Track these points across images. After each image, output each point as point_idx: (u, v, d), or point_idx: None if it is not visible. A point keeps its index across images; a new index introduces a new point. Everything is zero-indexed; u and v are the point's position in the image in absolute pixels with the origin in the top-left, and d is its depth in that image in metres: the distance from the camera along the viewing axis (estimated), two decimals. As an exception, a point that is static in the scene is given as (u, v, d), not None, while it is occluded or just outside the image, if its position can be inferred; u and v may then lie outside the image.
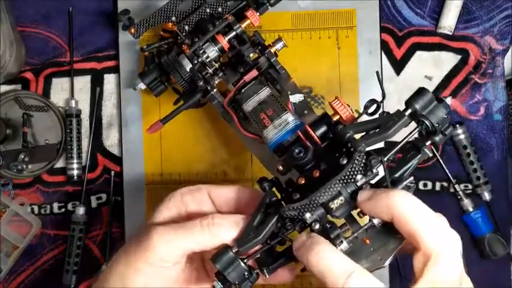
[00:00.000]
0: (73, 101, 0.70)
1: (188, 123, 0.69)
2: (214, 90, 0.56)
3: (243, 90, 0.54)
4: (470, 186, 0.69)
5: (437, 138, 0.39)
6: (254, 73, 0.54)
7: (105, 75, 0.71)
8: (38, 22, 0.71)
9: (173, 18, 0.59)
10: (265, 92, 0.52)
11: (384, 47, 0.69)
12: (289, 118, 0.49)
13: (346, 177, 0.38)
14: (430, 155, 0.39)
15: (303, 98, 0.53)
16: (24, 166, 0.69)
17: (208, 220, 0.40)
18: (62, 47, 0.71)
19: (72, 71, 0.70)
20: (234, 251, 0.39)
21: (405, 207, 0.34)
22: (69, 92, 0.71)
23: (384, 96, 0.45)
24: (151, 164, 0.69)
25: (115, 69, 0.70)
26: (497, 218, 0.68)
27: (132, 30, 0.59)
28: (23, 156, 0.68)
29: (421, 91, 0.40)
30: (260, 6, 0.59)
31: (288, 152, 0.44)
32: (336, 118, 0.46)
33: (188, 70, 0.56)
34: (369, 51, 0.68)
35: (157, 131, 0.56)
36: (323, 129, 0.46)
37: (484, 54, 0.69)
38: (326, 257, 0.35)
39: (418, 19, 0.69)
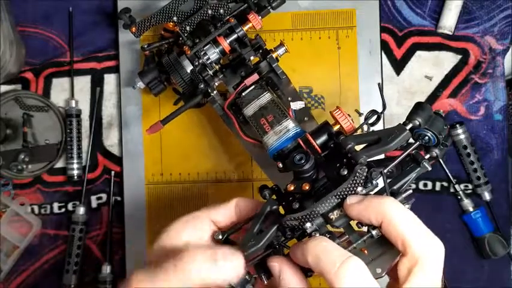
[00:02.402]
0: (73, 101, 0.70)
1: (188, 123, 0.69)
2: (215, 92, 0.56)
3: (243, 93, 0.54)
4: (470, 186, 0.69)
5: (437, 150, 0.40)
6: (255, 77, 0.54)
7: (105, 75, 0.71)
8: (38, 22, 0.71)
9: (174, 18, 0.59)
10: (266, 97, 0.52)
11: (384, 47, 0.69)
12: (290, 125, 0.49)
13: (347, 189, 0.38)
14: (429, 168, 0.39)
15: (303, 105, 0.53)
16: (25, 166, 0.69)
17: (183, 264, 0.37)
18: (62, 47, 0.71)
19: (72, 71, 0.70)
20: None
21: (395, 213, 0.35)
22: (69, 92, 0.71)
23: (384, 107, 0.45)
24: (151, 164, 0.69)
25: (115, 69, 0.70)
26: (497, 218, 0.68)
27: (133, 29, 0.59)
28: (23, 156, 0.68)
29: (420, 105, 0.41)
30: (262, 9, 0.59)
31: (289, 158, 0.44)
32: (336, 127, 0.46)
33: (189, 71, 0.56)
34: (369, 51, 0.68)
35: (157, 132, 0.56)
36: (323, 138, 0.45)
37: (484, 54, 0.69)
38: (322, 243, 0.36)
39: (418, 19, 0.69)
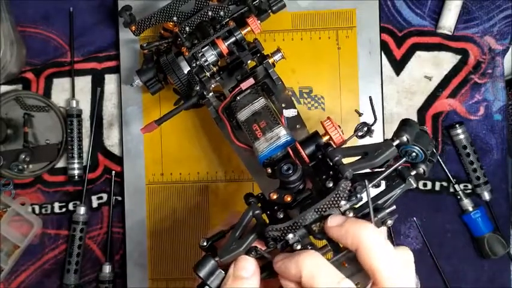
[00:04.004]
0: (74, 101, 0.70)
1: (189, 123, 0.69)
2: (210, 94, 0.55)
3: (238, 97, 0.54)
4: (470, 186, 0.69)
5: (424, 166, 0.40)
6: (251, 81, 0.54)
7: (106, 76, 0.71)
8: (39, 22, 0.71)
9: (174, 18, 0.59)
10: (260, 103, 0.51)
11: (384, 47, 0.69)
12: (281, 133, 0.49)
13: (331, 202, 0.38)
14: (415, 185, 0.39)
15: (296, 114, 0.53)
16: (25, 166, 0.69)
17: None
18: (62, 47, 0.71)
19: (73, 71, 0.70)
20: (215, 259, 0.40)
21: (369, 243, 0.35)
22: (70, 92, 0.71)
23: (375, 120, 0.45)
24: (151, 164, 0.69)
25: (116, 70, 0.71)
26: (497, 218, 0.68)
27: (133, 28, 0.59)
28: (23, 156, 0.68)
29: (407, 122, 0.41)
30: (262, 12, 0.59)
31: (277, 167, 0.44)
32: (326, 138, 0.46)
33: (186, 72, 0.56)
34: (368, 51, 0.68)
35: (151, 132, 0.55)
36: (312, 147, 0.45)
37: (483, 54, 0.69)
38: (317, 260, 0.36)
39: (418, 19, 0.69)
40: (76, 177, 0.69)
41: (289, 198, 0.41)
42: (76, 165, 0.69)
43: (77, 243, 0.68)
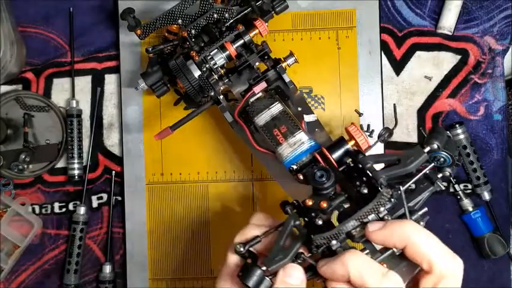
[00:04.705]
0: (74, 101, 0.70)
1: (189, 123, 0.69)
2: (221, 97, 0.56)
3: (251, 100, 0.54)
4: (470, 186, 0.69)
5: (450, 170, 0.43)
6: (263, 85, 0.55)
7: (106, 76, 0.71)
8: (39, 22, 0.71)
9: (179, 21, 0.59)
10: (277, 108, 0.52)
11: (384, 47, 0.69)
12: (304, 137, 0.50)
13: (372, 209, 0.40)
14: (443, 188, 0.42)
15: (316, 118, 0.54)
16: (25, 166, 0.69)
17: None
18: (62, 47, 0.71)
19: (73, 71, 0.70)
20: (263, 269, 0.41)
21: (418, 236, 0.38)
22: (70, 92, 0.71)
23: (396, 124, 0.48)
24: (151, 164, 0.69)
25: (116, 70, 0.71)
26: (497, 218, 0.68)
27: (139, 32, 0.59)
28: (24, 156, 0.68)
29: (437, 130, 0.44)
30: (265, 13, 0.59)
31: (309, 173, 0.44)
32: (351, 143, 0.47)
33: (197, 77, 0.56)
34: (368, 51, 0.68)
35: (165, 137, 0.55)
36: (339, 152, 0.46)
37: (483, 54, 0.69)
38: (362, 257, 0.38)
39: (418, 19, 0.69)
40: (76, 177, 0.69)
41: (325, 205, 0.42)
42: (76, 165, 0.69)
43: (77, 243, 0.68)
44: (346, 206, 0.44)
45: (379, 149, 0.67)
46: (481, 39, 0.69)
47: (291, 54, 0.57)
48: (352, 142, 0.47)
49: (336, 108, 0.68)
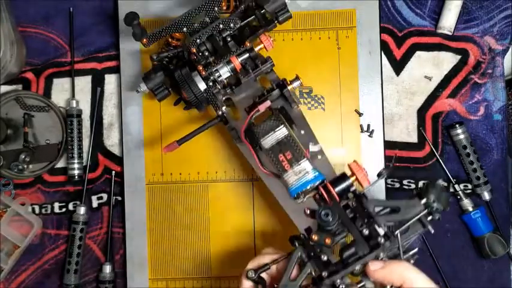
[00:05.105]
0: (74, 101, 0.70)
1: (189, 123, 0.69)
2: (224, 108, 0.57)
3: (253, 115, 0.56)
4: (470, 186, 0.69)
5: (439, 215, 0.48)
6: (267, 103, 0.56)
7: (106, 76, 0.71)
8: (39, 22, 0.71)
9: (184, 29, 0.60)
10: (282, 132, 0.54)
11: (384, 47, 0.69)
12: (308, 167, 0.53)
13: (375, 256, 0.45)
14: (432, 231, 0.46)
15: (320, 148, 0.56)
16: (25, 166, 0.69)
17: None
18: (62, 47, 0.71)
19: (73, 71, 0.70)
20: None
21: (413, 276, 0.44)
22: (70, 92, 0.71)
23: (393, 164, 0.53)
24: (151, 164, 0.69)
25: (116, 70, 0.71)
26: (497, 218, 0.68)
27: (145, 41, 0.59)
28: (23, 156, 0.68)
29: (433, 184, 0.48)
30: (269, 23, 0.60)
31: (316, 212, 0.48)
32: (352, 179, 0.51)
33: (202, 90, 0.57)
34: (368, 51, 0.68)
35: (173, 151, 0.57)
36: (341, 187, 0.50)
37: (483, 54, 0.69)
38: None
39: (418, 19, 0.70)
40: (76, 177, 0.69)
41: (328, 241, 0.47)
42: (76, 165, 0.69)
43: (77, 243, 0.68)
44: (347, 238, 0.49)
45: (379, 149, 0.67)
46: (481, 39, 0.69)
47: (297, 78, 0.58)
48: (353, 178, 0.50)
49: (336, 108, 0.68)
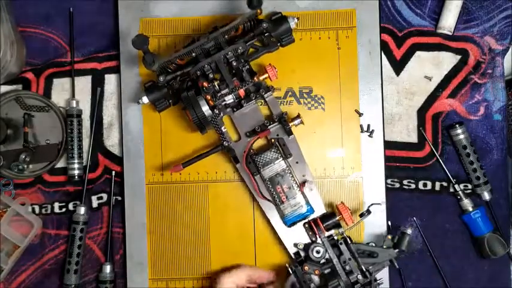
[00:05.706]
0: (74, 101, 0.70)
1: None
2: (223, 128, 0.63)
3: (253, 143, 0.64)
4: (470, 186, 0.69)
5: (406, 253, 0.64)
6: (268, 132, 0.64)
7: (106, 76, 0.71)
8: (39, 23, 0.71)
9: (193, 54, 0.63)
10: (280, 165, 0.63)
11: (384, 47, 0.69)
12: (302, 201, 0.63)
13: None
14: (398, 267, 0.64)
15: (315, 188, 0.65)
16: (25, 166, 0.69)
17: None
18: (62, 47, 0.71)
19: (73, 71, 0.70)
20: None
21: None
22: (70, 92, 0.71)
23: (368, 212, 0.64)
24: (151, 164, 0.69)
25: (116, 70, 0.71)
26: (497, 218, 0.68)
27: (154, 68, 0.61)
28: (24, 156, 0.68)
29: (404, 236, 0.63)
30: (272, 46, 0.65)
31: (308, 248, 0.63)
32: (339, 217, 0.63)
33: (207, 115, 0.60)
34: (368, 51, 0.68)
35: (178, 172, 0.66)
36: (328, 222, 0.63)
37: (483, 54, 0.69)
38: None
39: (418, 19, 0.70)
40: (76, 177, 0.69)
41: (317, 273, 0.62)
42: (76, 165, 0.69)
43: (77, 243, 0.68)
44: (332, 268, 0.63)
45: (379, 149, 0.67)
46: (481, 39, 0.69)
47: (298, 116, 0.64)
48: (339, 216, 0.63)
49: (336, 108, 0.68)
